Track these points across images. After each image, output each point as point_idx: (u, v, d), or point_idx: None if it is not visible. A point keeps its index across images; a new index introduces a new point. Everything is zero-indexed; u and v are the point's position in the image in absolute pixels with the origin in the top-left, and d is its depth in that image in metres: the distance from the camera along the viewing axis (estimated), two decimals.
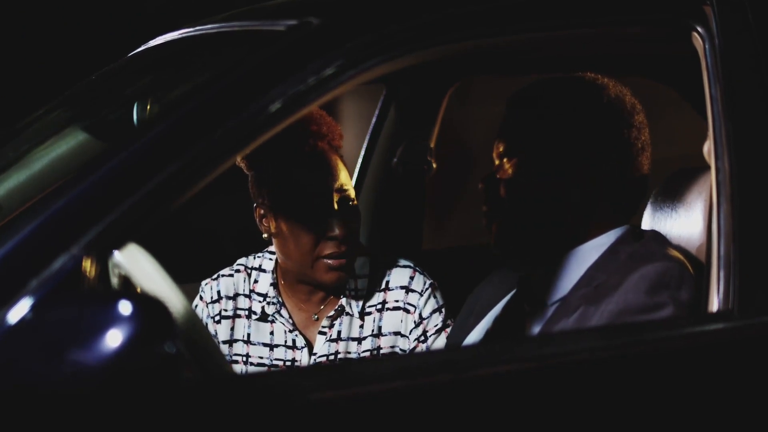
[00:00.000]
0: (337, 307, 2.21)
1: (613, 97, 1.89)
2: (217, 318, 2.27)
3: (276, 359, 2.23)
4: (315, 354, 2.22)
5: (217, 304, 2.27)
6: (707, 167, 1.69)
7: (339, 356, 2.20)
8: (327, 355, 2.21)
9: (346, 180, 2.17)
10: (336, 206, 2.14)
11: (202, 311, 2.28)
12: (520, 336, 1.92)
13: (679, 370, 1.57)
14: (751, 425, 1.58)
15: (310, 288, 2.22)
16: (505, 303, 2.04)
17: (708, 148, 1.67)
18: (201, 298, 2.29)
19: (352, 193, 2.18)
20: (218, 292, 2.27)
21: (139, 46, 2.21)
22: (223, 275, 2.29)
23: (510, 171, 1.89)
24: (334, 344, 2.22)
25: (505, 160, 1.91)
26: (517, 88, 1.96)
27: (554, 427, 1.51)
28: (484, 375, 1.51)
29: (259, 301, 2.25)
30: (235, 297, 2.27)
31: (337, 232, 2.12)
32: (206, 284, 2.30)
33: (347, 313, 2.22)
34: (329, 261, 2.14)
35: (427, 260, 2.39)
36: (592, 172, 1.86)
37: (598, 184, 1.86)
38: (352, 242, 2.15)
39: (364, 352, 2.21)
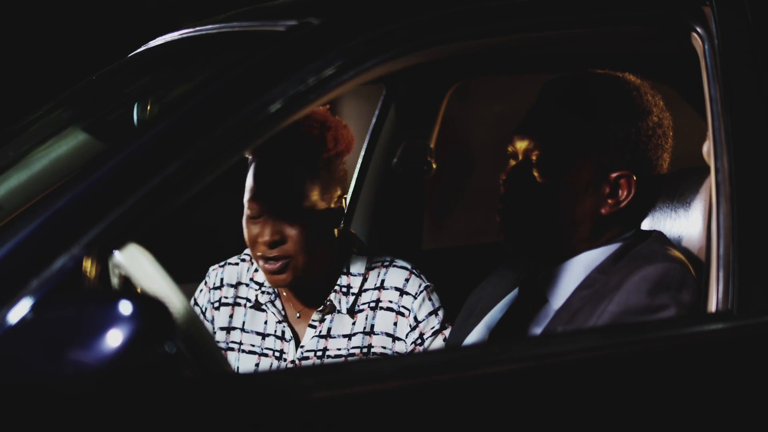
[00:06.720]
0: (326, 302, 2.22)
1: (634, 95, 1.89)
2: (216, 304, 2.29)
3: (266, 348, 2.25)
4: (302, 347, 2.22)
5: (218, 291, 2.30)
6: (707, 167, 1.69)
7: (327, 353, 2.21)
8: (315, 351, 2.21)
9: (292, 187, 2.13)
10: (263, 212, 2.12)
11: (204, 296, 2.31)
12: (521, 336, 1.92)
13: (679, 369, 1.57)
14: (750, 424, 1.58)
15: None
16: (507, 303, 2.04)
17: (707, 148, 1.67)
18: (205, 282, 2.32)
19: (315, 200, 2.13)
20: (221, 279, 2.30)
21: (139, 46, 2.21)
22: (229, 263, 2.32)
23: (532, 165, 1.88)
24: (323, 340, 2.22)
25: (526, 153, 1.90)
26: (548, 81, 1.94)
27: (554, 427, 1.52)
28: (485, 375, 1.51)
29: (255, 290, 2.27)
30: (237, 285, 2.30)
31: (266, 237, 2.12)
32: (213, 270, 2.33)
33: (338, 311, 2.22)
34: (261, 262, 2.15)
35: (427, 260, 2.39)
36: (609, 171, 1.86)
37: (615, 187, 1.86)
38: (289, 248, 2.13)
39: (353, 348, 2.21)
